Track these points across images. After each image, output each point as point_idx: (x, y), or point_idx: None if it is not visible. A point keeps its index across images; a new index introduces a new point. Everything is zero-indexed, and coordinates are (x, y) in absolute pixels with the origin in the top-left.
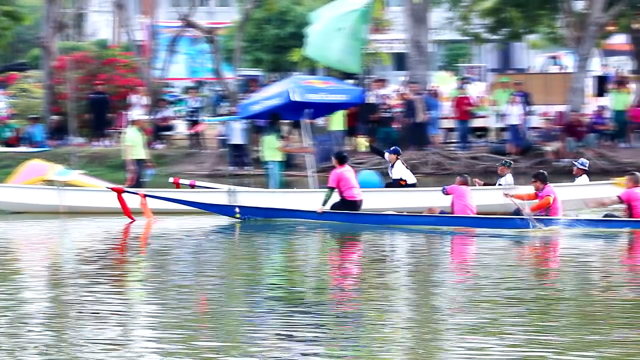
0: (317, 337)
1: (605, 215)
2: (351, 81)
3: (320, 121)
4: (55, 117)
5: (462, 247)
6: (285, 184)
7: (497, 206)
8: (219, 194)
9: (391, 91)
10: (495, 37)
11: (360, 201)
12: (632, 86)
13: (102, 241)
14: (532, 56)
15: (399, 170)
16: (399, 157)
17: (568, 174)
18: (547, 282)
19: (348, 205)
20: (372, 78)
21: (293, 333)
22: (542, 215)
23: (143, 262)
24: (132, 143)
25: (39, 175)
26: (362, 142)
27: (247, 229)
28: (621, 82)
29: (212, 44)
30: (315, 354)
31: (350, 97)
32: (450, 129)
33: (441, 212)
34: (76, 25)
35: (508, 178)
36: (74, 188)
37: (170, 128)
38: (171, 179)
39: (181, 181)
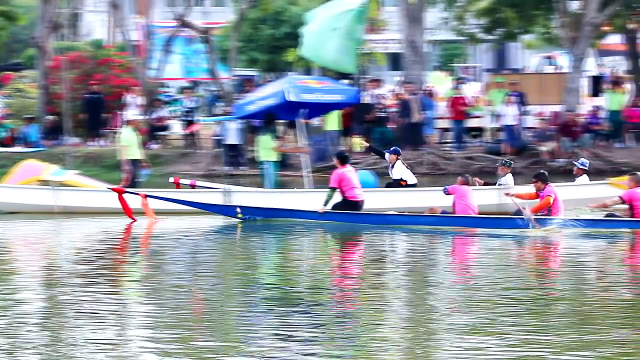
0: (315, 337)
1: (607, 216)
2: (346, 81)
3: (315, 121)
4: (50, 117)
5: (462, 247)
6: (280, 184)
7: (494, 206)
8: (218, 194)
9: (386, 91)
10: (490, 37)
11: (362, 201)
12: (627, 86)
13: (99, 241)
14: (527, 56)
15: (400, 171)
16: (399, 157)
17: (563, 174)
18: (546, 282)
19: (350, 205)
20: (368, 78)
21: (291, 333)
22: (542, 215)
23: (141, 262)
24: (128, 143)
25: (34, 176)
26: (357, 142)
27: (247, 229)
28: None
29: (208, 44)
30: (313, 354)
31: (345, 97)
32: (446, 129)
33: (443, 212)
34: (71, 25)
35: (508, 178)
36: (69, 188)
37: (165, 128)
38: (171, 179)
39: (181, 181)
